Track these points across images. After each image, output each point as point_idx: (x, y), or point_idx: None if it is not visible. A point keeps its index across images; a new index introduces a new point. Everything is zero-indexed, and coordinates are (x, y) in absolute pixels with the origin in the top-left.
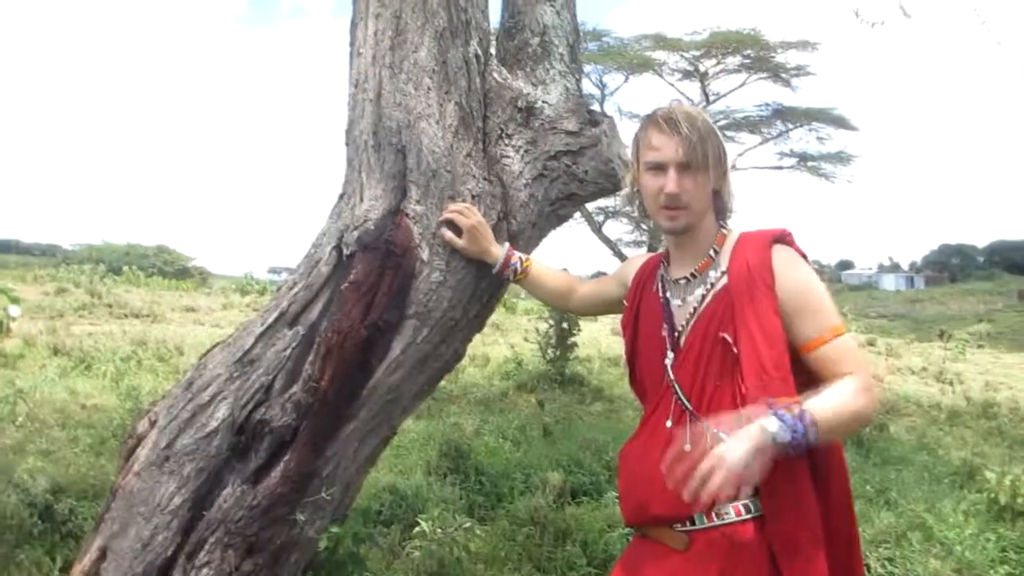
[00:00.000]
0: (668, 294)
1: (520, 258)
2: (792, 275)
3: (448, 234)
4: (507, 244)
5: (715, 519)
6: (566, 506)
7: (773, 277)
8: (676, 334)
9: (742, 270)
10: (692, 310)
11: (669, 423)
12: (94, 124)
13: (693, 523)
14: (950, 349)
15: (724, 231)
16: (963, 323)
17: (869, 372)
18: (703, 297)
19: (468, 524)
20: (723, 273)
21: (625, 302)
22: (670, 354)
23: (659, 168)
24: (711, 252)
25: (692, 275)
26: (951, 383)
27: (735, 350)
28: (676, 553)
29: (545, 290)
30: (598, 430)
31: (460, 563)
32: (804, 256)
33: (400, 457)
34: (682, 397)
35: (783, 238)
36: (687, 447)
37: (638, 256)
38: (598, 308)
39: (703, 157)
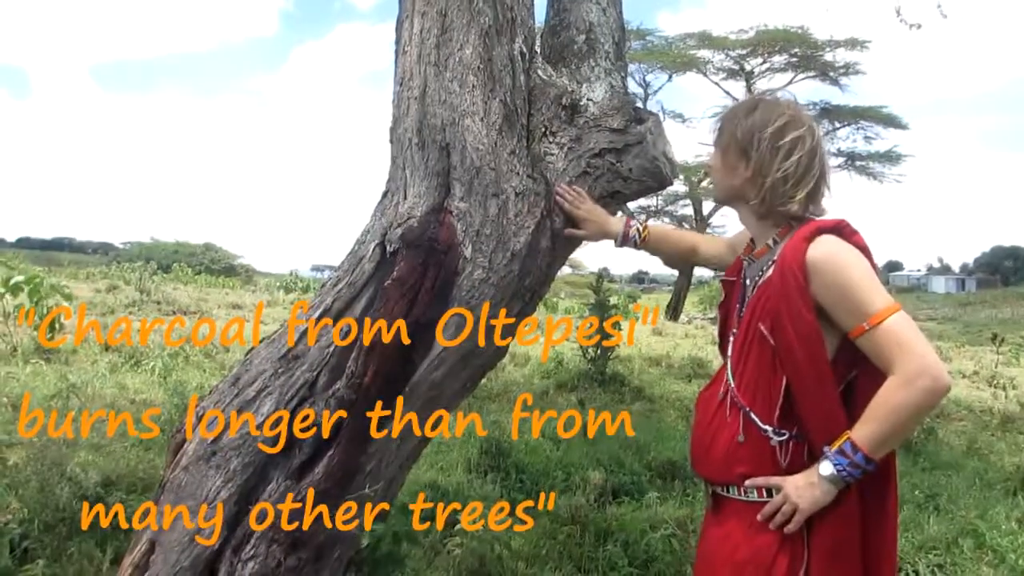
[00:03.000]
0: (746, 270)
1: (638, 228)
2: (824, 271)
3: (568, 229)
4: (623, 216)
5: (743, 495)
6: (607, 506)
7: (806, 275)
8: (741, 312)
9: (781, 265)
10: (749, 294)
11: (721, 395)
12: (145, 126)
13: (726, 491)
14: (1002, 353)
15: (792, 224)
16: (1016, 327)
17: (916, 354)
18: (755, 286)
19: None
20: (772, 263)
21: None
22: (735, 329)
23: None
24: (769, 242)
25: (750, 259)
26: (1003, 388)
27: (771, 342)
28: (713, 514)
29: (666, 252)
30: (639, 429)
31: (501, 561)
32: (862, 246)
33: (441, 454)
34: (729, 374)
35: (833, 229)
36: (740, 439)
37: None
38: (716, 266)
39: (718, 137)
